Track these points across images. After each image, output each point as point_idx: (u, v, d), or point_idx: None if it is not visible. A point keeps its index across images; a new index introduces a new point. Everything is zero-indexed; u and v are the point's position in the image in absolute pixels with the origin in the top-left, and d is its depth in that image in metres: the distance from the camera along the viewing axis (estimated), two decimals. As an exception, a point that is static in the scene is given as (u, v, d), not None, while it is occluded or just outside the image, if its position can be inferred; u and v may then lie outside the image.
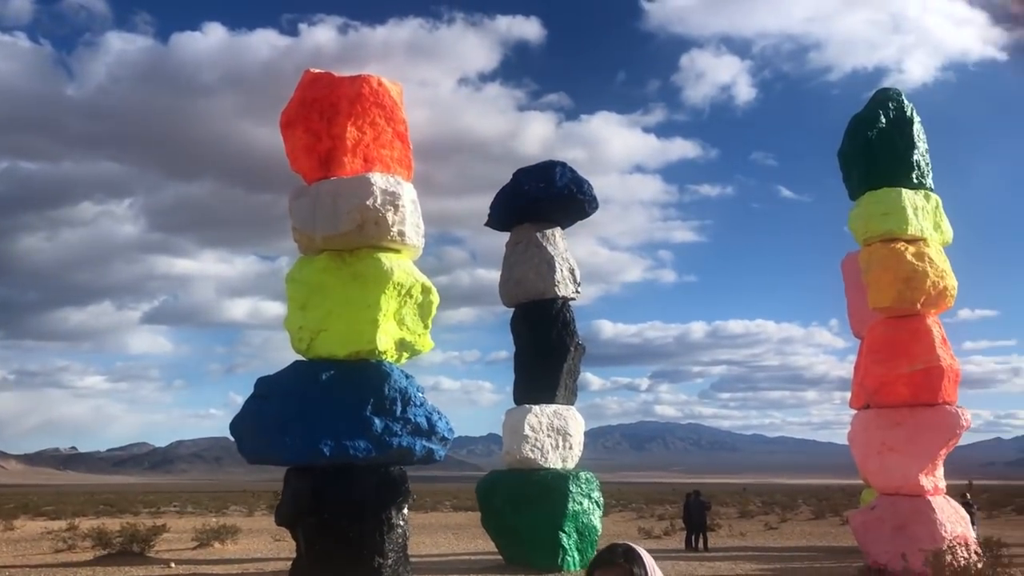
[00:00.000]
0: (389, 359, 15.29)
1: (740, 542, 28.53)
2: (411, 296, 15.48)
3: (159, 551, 22.72)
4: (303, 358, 15.23)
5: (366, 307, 14.85)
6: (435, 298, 15.79)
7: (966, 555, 13.08)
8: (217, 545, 25.37)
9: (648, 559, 2.40)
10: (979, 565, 12.32)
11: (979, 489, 65.34)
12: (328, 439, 14.13)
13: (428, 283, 15.69)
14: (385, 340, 15.02)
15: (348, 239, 15.05)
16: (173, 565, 19.98)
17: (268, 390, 14.74)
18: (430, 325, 15.98)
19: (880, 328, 18.29)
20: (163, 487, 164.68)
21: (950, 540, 15.05)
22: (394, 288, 15.06)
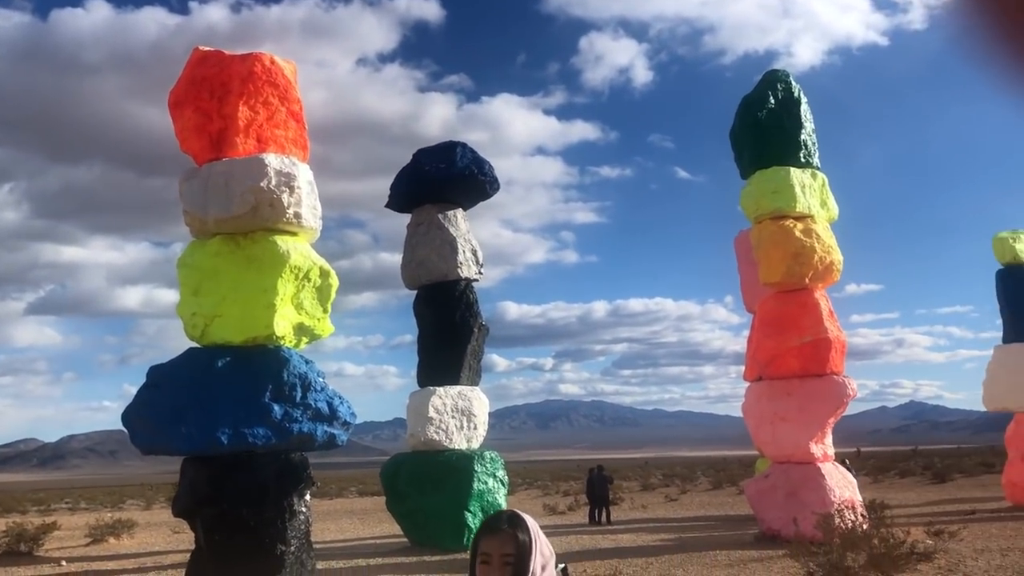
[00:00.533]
0: (287, 344, 14.98)
1: (642, 514, 29.21)
2: (309, 280, 15.20)
3: (49, 550, 21.82)
4: (197, 345, 14.81)
5: (262, 291, 14.49)
6: (334, 281, 15.53)
7: (853, 518, 13.67)
8: (112, 540, 24.52)
9: (532, 524, 2.43)
10: (864, 526, 12.91)
11: (866, 456, 68.50)
12: (226, 427, 13.77)
13: (326, 266, 15.42)
14: (283, 325, 14.71)
15: (242, 222, 14.64)
16: (64, 563, 19.22)
17: (161, 379, 14.26)
18: (329, 309, 15.72)
19: (771, 303, 18.91)
20: (54, 484, 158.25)
21: (839, 504, 15.73)
22: (291, 272, 14.75)
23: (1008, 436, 24.84)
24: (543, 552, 2.40)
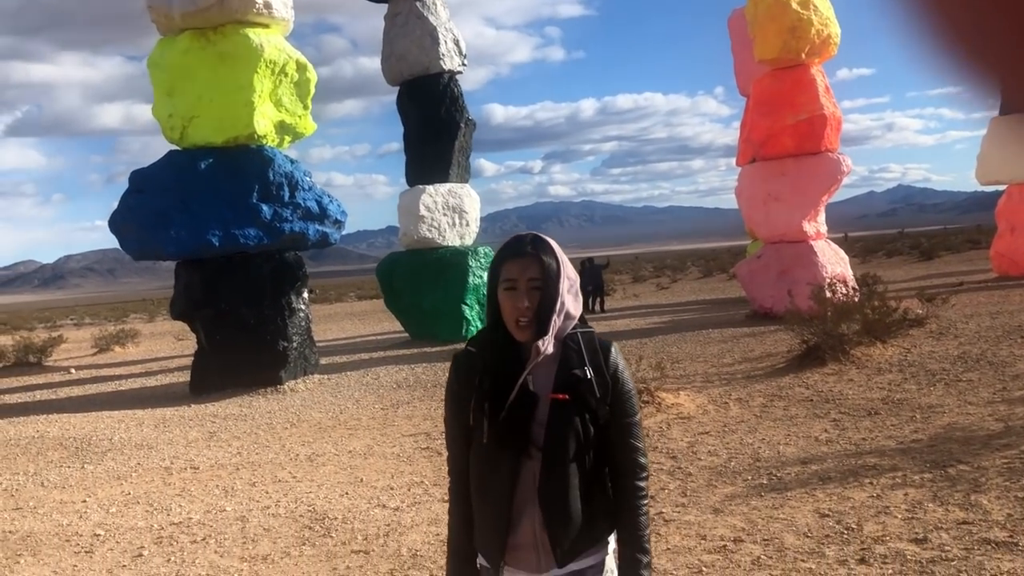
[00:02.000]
0: (270, 143, 14.60)
1: (635, 302, 29.80)
2: (286, 74, 14.60)
3: (57, 360, 22.32)
4: (178, 148, 14.42)
5: (238, 89, 13.94)
6: (312, 75, 14.94)
7: (845, 290, 13.83)
8: (118, 349, 25.06)
9: (557, 246, 2.26)
10: (856, 298, 13.06)
11: (853, 240, 69.48)
12: (215, 229, 13.66)
13: (303, 59, 14.77)
14: (263, 123, 14.26)
15: (210, 15, 13.86)
16: (73, 371, 19.68)
17: (145, 183, 13.98)
18: (310, 105, 15.21)
19: (766, 81, 18.33)
20: (57, 303, 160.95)
21: (831, 279, 15.90)
22: (266, 66, 14.13)
23: (999, 209, 24.89)
24: (568, 275, 2.22)
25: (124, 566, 5.33)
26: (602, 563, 2.20)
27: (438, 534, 5.37)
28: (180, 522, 6.21)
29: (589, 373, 2.13)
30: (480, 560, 2.23)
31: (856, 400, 8.47)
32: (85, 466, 8.60)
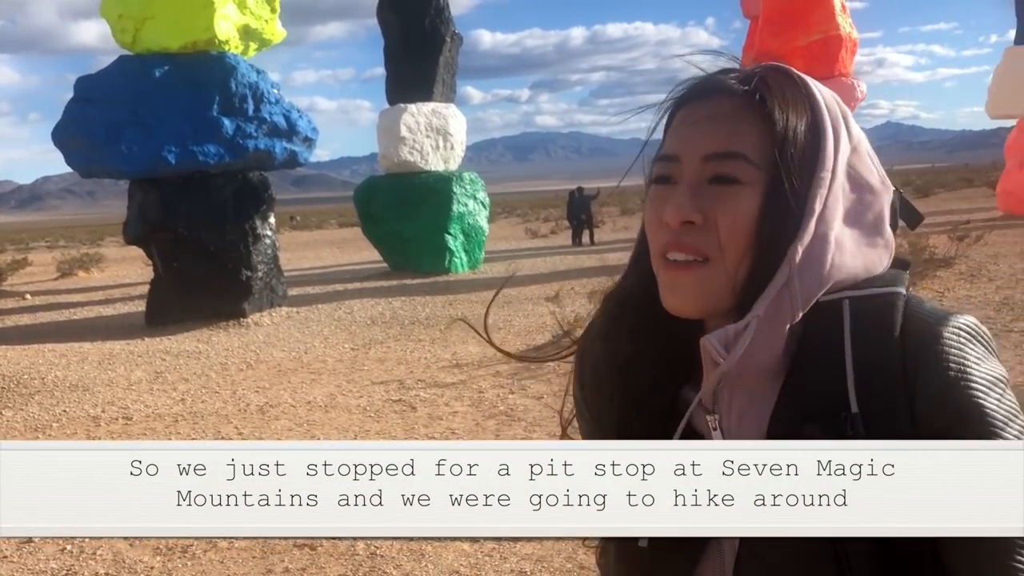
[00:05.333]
0: (233, 51, 13.16)
1: (625, 235, 28.62)
2: (251, -28, 13.09)
3: (15, 284, 21.01)
4: (130, 53, 12.95)
5: (197, -14, 12.43)
6: (281, -26, 13.44)
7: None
8: (82, 274, 23.76)
9: (822, 92, 0.93)
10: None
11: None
12: (172, 145, 12.32)
13: (270, -45, 13.24)
14: (225, 27, 12.81)
15: (164, -100, 12.28)
16: (29, 296, 18.43)
17: (92, 92, 12.57)
18: (278, 9, 13.74)
19: (778, -2, 16.91)
20: (34, 225, 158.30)
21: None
22: (229, -39, 12.62)
23: (1008, 144, 23.70)
24: (846, 133, 0.92)
25: None
26: None
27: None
28: (91, 493, 5.08)
29: (857, 404, 0.81)
30: None
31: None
32: (3, 412, 7.45)
